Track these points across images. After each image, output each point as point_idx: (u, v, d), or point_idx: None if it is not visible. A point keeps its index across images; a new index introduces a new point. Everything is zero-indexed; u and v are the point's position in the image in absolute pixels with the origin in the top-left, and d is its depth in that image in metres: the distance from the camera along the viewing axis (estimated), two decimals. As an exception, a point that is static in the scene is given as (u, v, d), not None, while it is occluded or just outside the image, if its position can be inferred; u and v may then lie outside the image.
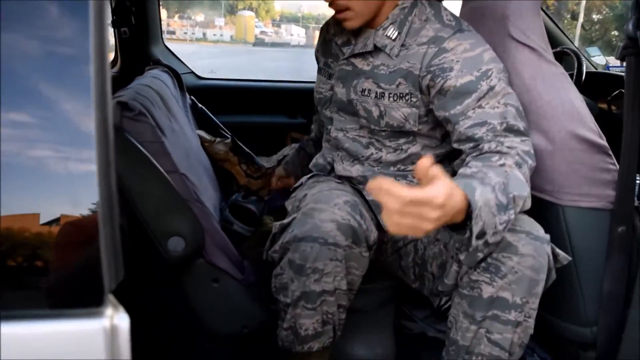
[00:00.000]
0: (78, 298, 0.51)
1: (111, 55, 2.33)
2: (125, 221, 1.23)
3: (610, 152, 1.13)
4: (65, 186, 0.53)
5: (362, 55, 1.24)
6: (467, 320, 1.08)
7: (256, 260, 1.43)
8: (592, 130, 1.12)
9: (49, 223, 0.52)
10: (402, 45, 1.19)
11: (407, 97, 1.19)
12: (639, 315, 1.05)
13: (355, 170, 1.31)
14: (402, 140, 1.25)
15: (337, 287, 1.08)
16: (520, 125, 1.08)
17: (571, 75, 1.83)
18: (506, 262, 1.02)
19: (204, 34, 32.54)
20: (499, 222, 0.94)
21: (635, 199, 1.14)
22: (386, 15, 1.21)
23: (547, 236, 1.05)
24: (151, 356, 1.21)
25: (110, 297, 0.53)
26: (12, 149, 0.51)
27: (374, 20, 1.22)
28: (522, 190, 0.99)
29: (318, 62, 1.42)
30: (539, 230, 1.04)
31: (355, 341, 1.43)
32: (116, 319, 0.52)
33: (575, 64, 1.80)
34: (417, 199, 0.78)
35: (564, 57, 2.08)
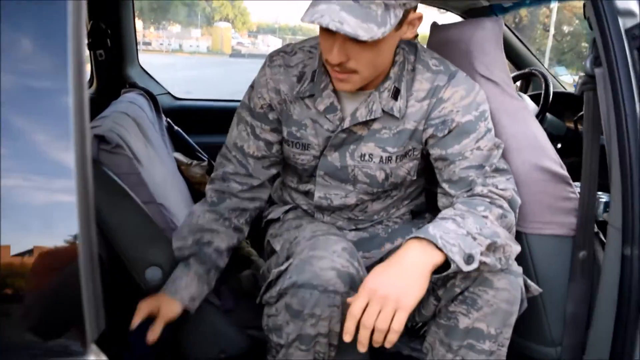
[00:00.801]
0: (62, 349, 0.53)
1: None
2: (104, 252, 1.24)
3: (571, 182, 1.19)
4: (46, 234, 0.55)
5: (364, 122, 1.14)
6: (444, 348, 1.11)
7: (233, 286, 1.45)
8: (553, 161, 1.18)
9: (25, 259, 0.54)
10: (405, 104, 1.13)
11: (410, 153, 1.18)
12: (598, 335, 1.10)
13: (337, 221, 1.31)
14: (392, 192, 1.27)
15: (332, 329, 1.07)
16: (504, 164, 1.13)
17: (539, 95, 1.91)
18: (482, 296, 1.05)
19: (180, 45, 32.41)
20: (482, 242, 0.98)
21: (595, 225, 1.20)
22: (385, 75, 1.12)
23: (520, 269, 1.08)
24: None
25: (93, 347, 0.55)
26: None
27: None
28: (499, 239, 1.01)
29: (280, 125, 1.23)
30: (512, 264, 1.08)
31: (331, 362, 1.46)
32: (98, 366, 0.54)
33: (543, 85, 1.87)
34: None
35: (532, 77, 2.16)
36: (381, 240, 1.32)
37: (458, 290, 1.06)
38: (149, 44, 29.95)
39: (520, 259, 1.23)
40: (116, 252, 1.16)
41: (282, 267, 1.09)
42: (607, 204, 1.12)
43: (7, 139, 0.55)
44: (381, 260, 1.26)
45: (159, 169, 1.49)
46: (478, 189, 1.08)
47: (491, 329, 1.06)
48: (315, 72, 1.16)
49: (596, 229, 1.20)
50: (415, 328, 1.63)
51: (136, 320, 1.10)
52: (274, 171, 1.30)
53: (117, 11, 2.21)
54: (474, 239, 0.97)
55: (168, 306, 1.13)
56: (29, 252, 0.53)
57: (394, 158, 1.17)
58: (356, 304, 0.91)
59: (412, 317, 1.23)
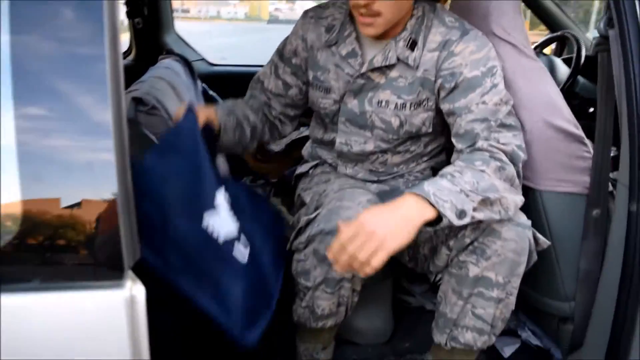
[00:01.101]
0: (104, 273, 0.63)
1: (126, 45, 2.44)
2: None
3: (585, 141, 1.22)
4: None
5: (379, 68, 1.23)
6: (455, 296, 1.18)
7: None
8: (567, 121, 1.20)
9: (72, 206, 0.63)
10: (421, 54, 1.20)
11: (424, 103, 1.24)
12: (606, 290, 1.15)
13: (359, 173, 1.38)
14: (409, 143, 1.32)
15: (355, 275, 1.17)
16: (512, 120, 1.16)
17: (571, 59, 1.89)
18: (491, 246, 1.11)
19: (218, 12, 32.38)
20: (475, 198, 1.02)
21: (610, 184, 1.22)
22: (402, 26, 1.21)
23: (529, 222, 1.14)
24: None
25: (130, 273, 0.65)
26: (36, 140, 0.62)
27: (387, 31, 1.20)
28: (494, 193, 1.06)
29: (301, 71, 1.35)
30: (520, 217, 1.13)
31: (355, 314, 1.55)
32: (134, 290, 0.64)
33: (575, 48, 1.85)
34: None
35: (567, 41, 2.13)
36: (401, 193, 1.36)
37: (468, 240, 1.13)
38: (187, 11, 30.09)
39: (534, 215, 1.27)
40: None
41: (312, 216, 1.18)
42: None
43: (55, 103, 0.64)
44: None
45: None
46: (479, 144, 1.13)
47: (499, 278, 1.12)
48: (343, 22, 1.27)
49: (611, 188, 1.23)
50: (438, 284, 1.71)
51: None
52: (288, 111, 1.40)
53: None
54: (467, 195, 1.02)
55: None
56: (78, 202, 0.62)
57: (408, 105, 1.24)
58: (346, 231, 0.97)
59: (428, 271, 1.30)
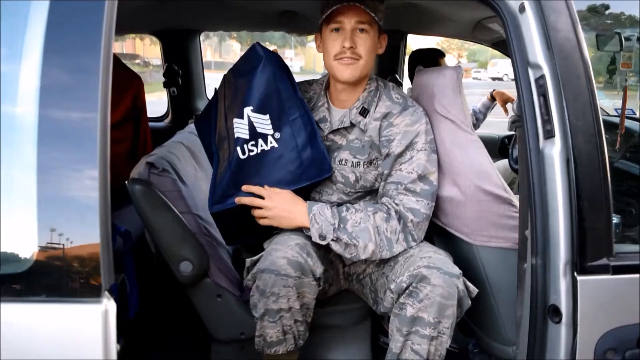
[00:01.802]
0: (87, 292, 0.92)
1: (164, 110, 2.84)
2: (154, 248, 1.66)
3: (514, 202, 1.42)
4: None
5: (339, 131, 1.56)
6: (398, 334, 1.39)
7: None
8: (497, 185, 1.41)
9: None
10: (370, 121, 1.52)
11: (374, 162, 1.55)
12: (522, 335, 1.31)
13: None
14: (366, 197, 1.61)
15: (291, 306, 1.42)
16: (417, 187, 1.44)
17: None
18: (422, 290, 1.33)
19: (275, 50, 33.78)
20: (335, 234, 1.39)
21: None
22: (357, 97, 1.54)
23: (457, 272, 1.35)
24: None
25: (106, 293, 0.93)
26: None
27: (347, 100, 1.55)
28: (363, 238, 1.41)
29: None
30: (449, 267, 1.35)
31: (336, 353, 1.76)
32: (108, 305, 0.92)
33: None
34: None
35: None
36: None
37: (404, 285, 1.35)
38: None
39: (474, 267, 1.48)
40: (159, 249, 1.57)
41: (255, 258, 1.49)
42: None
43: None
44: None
45: (204, 186, 1.89)
46: (384, 200, 1.47)
47: (430, 318, 1.32)
48: (319, 94, 1.61)
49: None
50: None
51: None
52: None
53: (187, 54, 2.70)
54: (333, 230, 1.41)
55: None
56: (65, 236, 0.92)
57: (361, 164, 1.54)
58: (264, 202, 1.47)
59: (384, 313, 1.52)
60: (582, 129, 1.16)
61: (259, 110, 1.49)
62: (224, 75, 1.63)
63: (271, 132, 1.50)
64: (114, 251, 1.73)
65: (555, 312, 1.19)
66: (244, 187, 1.49)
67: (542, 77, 1.19)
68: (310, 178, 1.52)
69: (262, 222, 1.46)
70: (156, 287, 1.92)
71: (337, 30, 1.45)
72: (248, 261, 1.50)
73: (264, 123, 1.49)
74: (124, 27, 2.69)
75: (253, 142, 1.49)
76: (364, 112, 1.52)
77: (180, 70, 2.68)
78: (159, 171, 1.61)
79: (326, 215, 1.42)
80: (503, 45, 2.78)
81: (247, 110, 1.49)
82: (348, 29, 1.44)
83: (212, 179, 1.58)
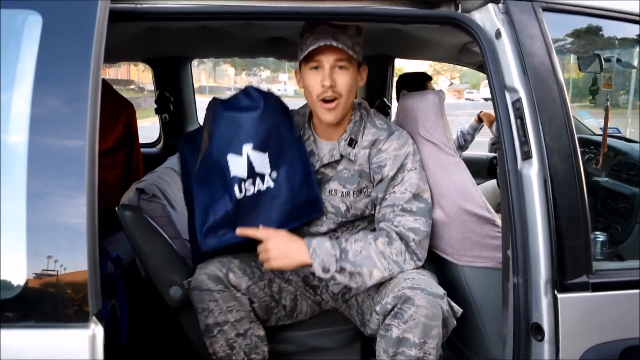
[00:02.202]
0: (75, 317, 0.94)
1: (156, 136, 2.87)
2: (144, 273, 1.67)
3: (497, 222, 1.45)
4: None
5: (329, 164, 1.57)
6: (385, 355, 1.40)
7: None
8: (479, 206, 1.45)
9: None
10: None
11: (364, 190, 1.56)
12: (507, 352, 1.32)
13: None
14: (357, 222, 1.63)
15: (226, 319, 1.48)
16: (414, 207, 1.46)
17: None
18: (407, 311, 1.34)
19: (269, 89, 34.03)
20: (338, 265, 1.38)
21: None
22: (344, 129, 1.55)
23: (441, 292, 1.36)
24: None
25: (93, 318, 0.94)
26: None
27: (334, 133, 1.56)
28: (366, 265, 1.39)
29: None
30: (433, 287, 1.36)
31: (328, 373, 1.76)
32: (96, 330, 0.94)
33: None
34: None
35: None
36: None
37: (389, 307, 1.36)
38: (240, 89, 31.91)
39: (458, 287, 1.50)
40: (149, 274, 1.58)
41: (190, 279, 1.53)
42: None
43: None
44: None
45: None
46: (381, 225, 1.47)
47: (416, 339, 1.34)
48: (304, 127, 1.61)
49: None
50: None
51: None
52: None
53: (178, 81, 2.75)
54: (336, 261, 1.39)
55: None
56: (53, 263, 0.94)
57: (351, 193, 1.56)
58: (262, 245, 1.45)
59: (370, 334, 1.54)
60: (558, 149, 1.20)
61: (259, 148, 1.47)
62: (210, 103, 1.58)
63: (268, 171, 1.48)
64: (106, 277, 1.77)
65: (538, 329, 1.21)
66: (238, 231, 1.46)
67: (519, 100, 1.23)
68: (304, 217, 1.55)
69: (265, 266, 1.45)
70: (147, 312, 1.92)
71: (316, 68, 1.46)
72: (185, 283, 1.54)
73: (263, 162, 1.47)
74: (115, 56, 2.74)
75: (250, 181, 1.47)
76: (351, 143, 1.54)
77: (172, 97, 2.72)
78: (149, 197, 1.63)
79: (326, 247, 1.41)
80: (488, 68, 2.86)
81: (247, 148, 1.45)
82: (327, 67, 1.44)
83: (199, 214, 1.50)
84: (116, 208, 1.54)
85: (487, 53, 1.28)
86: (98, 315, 0.95)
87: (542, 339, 1.19)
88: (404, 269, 1.41)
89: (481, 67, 2.82)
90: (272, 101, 1.53)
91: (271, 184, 1.48)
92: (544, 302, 1.19)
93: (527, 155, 1.21)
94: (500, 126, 1.25)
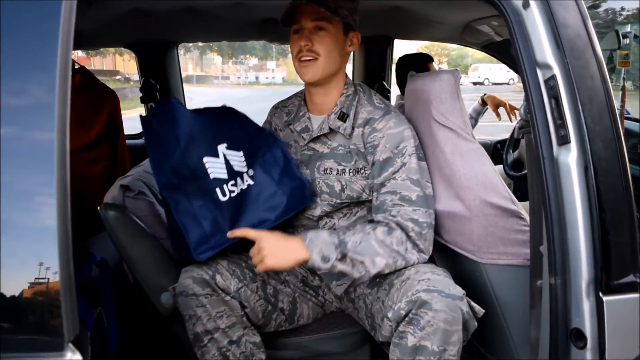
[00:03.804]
0: (46, 346, 0.78)
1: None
2: (133, 278, 1.52)
3: (523, 215, 1.31)
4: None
5: (320, 139, 1.49)
6: None
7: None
8: (503, 197, 1.30)
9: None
10: (352, 127, 1.45)
11: (362, 171, 1.45)
12: (542, 358, 1.20)
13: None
14: (354, 208, 1.50)
15: (217, 326, 1.35)
16: (413, 195, 1.35)
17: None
18: (423, 317, 1.21)
19: (257, 78, 33.75)
20: (340, 252, 1.27)
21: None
22: (335, 102, 1.48)
23: (460, 293, 1.23)
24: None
25: (70, 345, 0.79)
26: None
27: (324, 105, 1.49)
28: (368, 253, 1.29)
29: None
30: (451, 288, 1.22)
31: (336, 378, 1.63)
32: (73, 359, 0.78)
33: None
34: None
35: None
36: None
37: (403, 312, 1.23)
38: (227, 78, 31.63)
39: (481, 287, 1.36)
40: (137, 279, 1.43)
41: (175, 284, 1.40)
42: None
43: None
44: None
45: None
46: (380, 216, 1.38)
47: (435, 347, 1.20)
48: (299, 106, 1.56)
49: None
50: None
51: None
52: None
53: (164, 68, 2.57)
54: (336, 248, 1.29)
55: None
56: (18, 277, 0.78)
57: (347, 171, 1.46)
58: (255, 246, 1.32)
59: (375, 335, 1.42)
60: (600, 133, 1.06)
61: (234, 147, 1.42)
62: (165, 108, 1.43)
63: (245, 169, 1.43)
64: (90, 282, 1.61)
65: (579, 336, 1.08)
66: (229, 234, 1.37)
67: (553, 77, 1.09)
68: (295, 208, 1.46)
69: (259, 268, 1.31)
70: (137, 320, 1.77)
71: (297, 31, 1.43)
72: (170, 289, 1.40)
73: (238, 160, 1.43)
74: (97, 41, 2.55)
75: (233, 182, 1.40)
76: (342, 117, 1.46)
77: (158, 85, 2.55)
78: (135, 194, 1.48)
79: (323, 236, 1.32)
80: (493, 48, 2.70)
81: (222, 148, 1.40)
82: (307, 28, 1.41)
83: (187, 227, 1.35)
84: (98, 208, 1.38)
85: (514, 25, 1.13)
86: (76, 342, 0.80)
87: (584, 347, 1.06)
88: (407, 259, 1.32)
89: (485, 47, 2.68)
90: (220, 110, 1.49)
91: (251, 182, 1.43)
92: (586, 305, 1.06)
93: (564, 140, 1.07)
94: (533, 107, 1.10)
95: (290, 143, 1.56)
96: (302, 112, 1.55)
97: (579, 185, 1.06)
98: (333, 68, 1.44)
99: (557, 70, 1.09)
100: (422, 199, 1.35)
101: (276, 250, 1.30)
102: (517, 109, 2.87)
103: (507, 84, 21.27)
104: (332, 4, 1.38)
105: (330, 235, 1.32)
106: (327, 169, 1.48)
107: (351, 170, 1.45)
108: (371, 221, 1.50)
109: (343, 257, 1.29)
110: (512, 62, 2.72)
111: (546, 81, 1.10)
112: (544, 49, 1.10)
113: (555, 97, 1.09)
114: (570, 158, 1.06)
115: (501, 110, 2.85)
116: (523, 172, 2.69)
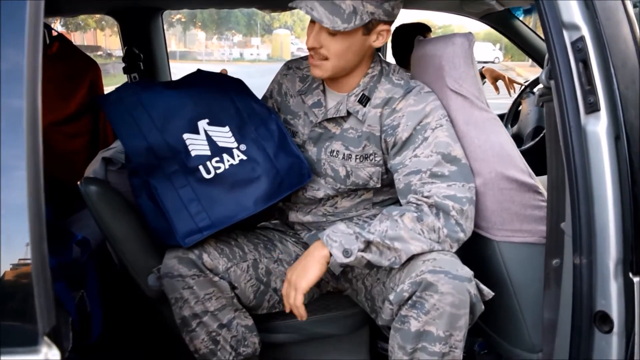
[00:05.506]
0: (18, 340, 0.67)
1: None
2: (117, 259, 1.41)
3: (541, 190, 1.22)
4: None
5: (334, 119, 1.35)
6: (401, 352, 1.18)
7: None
8: (521, 171, 1.22)
9: None
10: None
11: (371, 157, 1.33)
12: (561, 342, 1.13)
13: (308, 218, 1.44)
14: (359, 191, 1.39)
15: (205, 309, 1.26)
16: (445, 170, 1.21)
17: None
18: (428, 300, 1.12)
19: (241, 54, 33.22)
20: (361, 240, 1.15)
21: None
22: (357, 82, 1.32)
23: (469, 274, 1.14)
24: None
25: (45, 339, 0.68)
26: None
27: (345, 84, 1.33)
28: (399, 241, 1.17)
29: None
30: (458, 269, 1.14)
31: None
32: (49, 355, 0.68)
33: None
34: None
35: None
36: None
37: (406, 295, 1.14)
38: (211, 54, 31.05)
39: (494, 266, 1.28)
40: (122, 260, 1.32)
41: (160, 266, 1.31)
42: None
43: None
44: None
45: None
46: (409, 198, 1.23)
47: (440, 332, 1.12)
48: None
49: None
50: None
51: None
52: None
53: (149, 36, 2.42)
54: (356, 238, 1.16)
55: None
56: None
57: (353, 157, 1.34)
58: (284, 286, 1.22)
59: (375, 318, 1.34)
60: (633, 100, 0.97)
61: (216, 122, 1.31)
62: (137, 84, 1.38)
63: (235, 144, 1.31)
64: (72, 263, 1.50)
65: (604, 319, 1.00)
66: (286, 309, 1.25)
67: (581, 39, 0.99)
68: (291, 186, 1.34)
69: (298, 297, 1.19)
70: (123, 304, 1.66)
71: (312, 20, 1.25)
72: (155, 271, 1.30)
73: (225, 136, 1.31)
74: (76, 7, 2.39)
75: (217, 159, 1.28)
76: (363, 100, 1.31)
77: (142, 54, 2.40)
78: (118, 167, 1.36)
79: (341, 229, 1.19)
80: (492, 19, 2.60)
81: (203, 124, 1.29)
82: (316, 26, 1.24)
83: (167, 211, 1.25)
84: (78, 183, 1.26)
85: (539, -19, 1.03)
86: (52, 334, 0.69)
87: (609, 331, 0.99)
88: (442, 247, 1.20)
89: (485, 18, 2.57)
90: (219, 74, 1.41)
91: (244, 157, 1.31)
92: (614, 287, 0.98)
93: (593, 108, 0.97)
94: (558, 72, 1.00)
95: (300, 114, 1.42)
96: (317, 84, 1.40)
97: (609, 157, 0.97)
98: (347, 67, 1.29)
99: (585, 31, 0.98)
100: (456, 173, 1.22)
101: (300, 269, 1.19)
102: (517, 83, 2.79)
103: (492, 62, 21.21)
104: (349, 4, 1.19)
105: (348, 226, 1.20)
106: (333, 151, 1.36)
107: (358, 157, 1.34)
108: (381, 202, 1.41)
109: (367, 246, 1.18)
110: (510, 33, 2.63)
111: (573, 43, 1.00)
112: (571, 8, 1.00)
113: (583, 61, 0.99)
114: (599, 127, 0.97)
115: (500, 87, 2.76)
116: (522, 147, 2.62)
